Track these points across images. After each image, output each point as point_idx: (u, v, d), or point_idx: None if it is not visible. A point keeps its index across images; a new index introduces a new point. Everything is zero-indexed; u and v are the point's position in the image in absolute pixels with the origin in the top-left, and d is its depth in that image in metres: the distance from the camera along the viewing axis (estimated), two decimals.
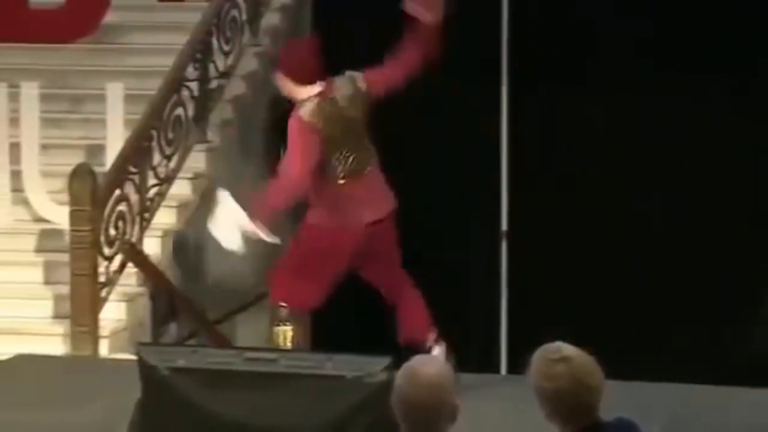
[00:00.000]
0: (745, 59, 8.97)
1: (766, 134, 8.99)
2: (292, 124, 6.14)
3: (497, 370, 8.78)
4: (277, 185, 6.27)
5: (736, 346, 9.13)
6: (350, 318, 8.90)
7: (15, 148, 8.07)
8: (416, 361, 3.27)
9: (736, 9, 8.94)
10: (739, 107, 9.01)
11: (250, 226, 6.10)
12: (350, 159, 6.14)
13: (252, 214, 6.10)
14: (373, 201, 6.17)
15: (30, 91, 8.11)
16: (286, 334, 6.30)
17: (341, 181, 6.11)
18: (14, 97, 8.12)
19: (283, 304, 6.26)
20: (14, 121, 8.12)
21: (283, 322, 6.28)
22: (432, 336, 6.08)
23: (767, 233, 9.14)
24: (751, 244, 9.13)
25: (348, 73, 6.25)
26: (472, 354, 8.47)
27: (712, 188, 9.06)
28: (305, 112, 6.11)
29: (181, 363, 5.04)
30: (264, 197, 6.24)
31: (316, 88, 6.15)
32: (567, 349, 3.36)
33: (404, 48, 6.19)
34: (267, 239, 6.14)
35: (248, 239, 6.18)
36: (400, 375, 3.27)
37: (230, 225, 6.18)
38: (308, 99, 6.14)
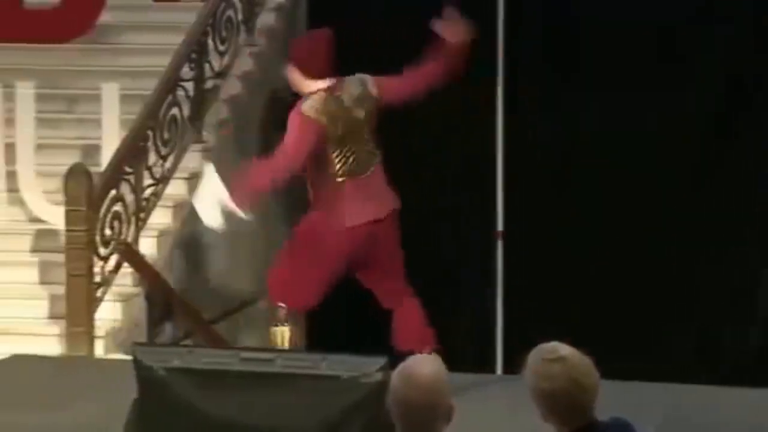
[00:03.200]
0: (744, 54, 8.97)
1: (764, 132, 9.00)
2: (293, 116, 6.14)
3: (493, 371, 8.78)
4: (263, 165, 6.26)
5: (730, 347, 9.14)
6: (345, 318, 8.91)
7: (10, 149, 8.07)
8: (412, 362, 3.28)
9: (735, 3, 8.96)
10: (740, 104, 9.01)
11: (231, 204, 6.07)
12: (350, 159, 6.14)
13: (233, 191, 6.07)
14: (372, 201, 6.17)
15: (25, 91, 8.11)
16: (284, 334, 6.30)
17: (339, 179, 6.11)
18: (9, 97, 8.13)
19: (281, 304, 6.26)
20: (9, 122, 8.12)
21: (281, 322, 6.28)
22: (428, 349, 5.99)
23: (763, 232, 9.15)
24: (746, 243, 9.15)
25: (359, 75, 6.25)
26: (467, 354, 8.50)
27: (710, 186, 9.07)
28: (308, 105, 6.11)
29: (176, 363, 5.04)
30: (248, 175, 6.21)
31: (324, 84, 6.15)
32: (563, 348, 3.37)
33: (427, 61, 6.21)
34: (243, 217, 6.11)
35: (229, 216, 6.15)
36: (396, 375, 3.27)
37: (212, 201, 6.16)
38: (315, 93, 6.13)
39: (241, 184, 6.13)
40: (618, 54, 9.02)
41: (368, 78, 6.24)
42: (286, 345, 6.28)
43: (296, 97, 6.30)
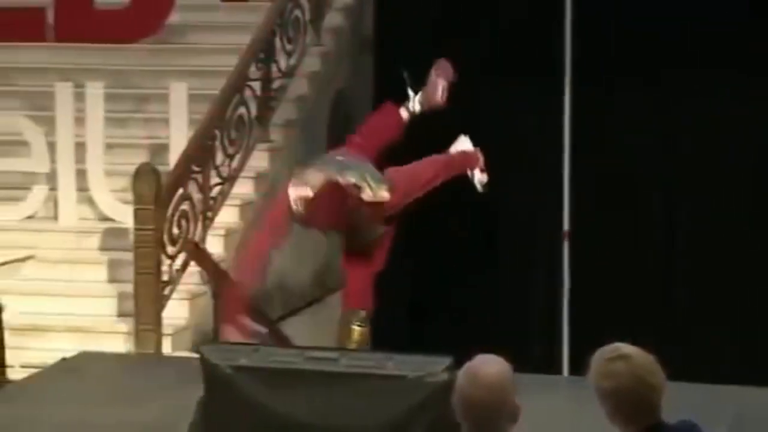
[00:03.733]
0: None
1: None
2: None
3: (559, 372, 8.73)
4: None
5: None
6: (409, 318, 8.90)
7: (80, 148, 8.15)
8: (477, 361, 3.26)
9: None
10: None
11: None
12: None
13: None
14: None
15: (95, 90, 8.18)
16: (363, 334, 6.47)
17: None
18: (80, 96, 8.20)
19: (364, 309, 6.44)
20: (79, 121, 8.20)
21: (363, 323, 6.44)
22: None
23: None
24: None
25: None
26: (534, 355, 8.46)
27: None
28: None
29: (243, 361, 5.06)
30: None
31: None
32: (625, 348, 3.36)
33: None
34: None
35: None
36: (462, 374, 3.26)
37: None
38: None
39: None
40: (688, 57, 8.93)
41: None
42: (364, 344, 6.44)
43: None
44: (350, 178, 6.25)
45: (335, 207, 6.28)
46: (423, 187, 6.53)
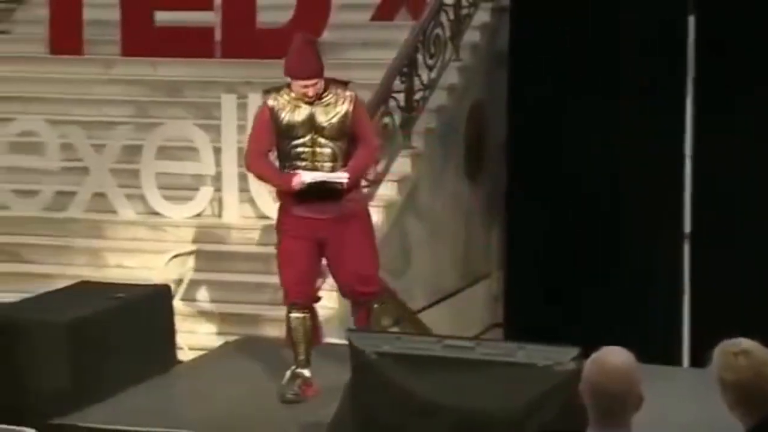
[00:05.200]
0: None
1: None
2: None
3: (680, 364, 8.55)
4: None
5: None
6: (547, 316, 8.79)
7: (242, 153, 8.24)
8: (605, 351, 3.21)
9: None
10: None
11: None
12: None
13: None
14: None
15: (255, 101, 8.26)
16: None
17: None
18: (242, 107, 8.32)
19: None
20: (242, 129, 8.31)
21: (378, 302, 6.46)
22: None
23: None
24: None
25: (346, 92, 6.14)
26: (656, 350, 8.29)
27: None
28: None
29: (386, 348, 5.08)
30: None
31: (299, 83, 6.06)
32: (747, 343, 3.29)
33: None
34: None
35: None
36: (590, 364, 3.21)
37: None
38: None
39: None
40: None
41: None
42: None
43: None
44: None
45: (311, 54, 6.16)
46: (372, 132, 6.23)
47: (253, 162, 6.23)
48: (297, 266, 6.05)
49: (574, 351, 4.70)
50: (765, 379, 3.21)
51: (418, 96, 8.56)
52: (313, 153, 5.99)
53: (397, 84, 8.37)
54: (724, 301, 8.43)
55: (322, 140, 6.00)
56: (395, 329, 7.56)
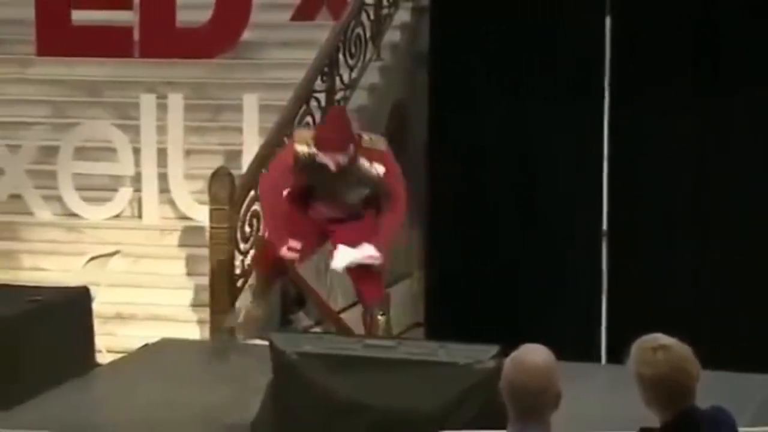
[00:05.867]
0: None
1: None
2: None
3: (598, 360, 8.63)
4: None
5: None
6: (463, 314, 8.84)
7: (162, 153, 8.20)
8: (524, 350, 3.23)
9: None
10: None
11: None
12: None
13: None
14: None
15: (175, 101, 8.23)
16: (388, 322, 6.47)
17: None
18: (162, 107, 8.25)
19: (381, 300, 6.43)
20: (162, 129, 8.25)
21: (384, 311, 6.42)
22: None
23: None
24: None
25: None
26: (572, 345, 8.37)
27: None
28: None
29: (308, 348, 5.07)
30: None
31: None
32: (664, 338, 3.33)
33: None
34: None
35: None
36: (509, 362, 3.23)
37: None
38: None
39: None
40: (724, 60, 8.75)
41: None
42: (389, 331, 6.45)
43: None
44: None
45: (342, 127, 6.19)
46: (401, 193, 6.32)
47: (265, 191, 6.35)
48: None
49: (493, 349, 4.73)
50: (682, 374, 3.25)
51: (339, 96, 8.55)
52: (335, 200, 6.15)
53: (318, 84, 8.35)
54: (641, 298, 8.54)
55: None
56: (317, 329, 7.55)
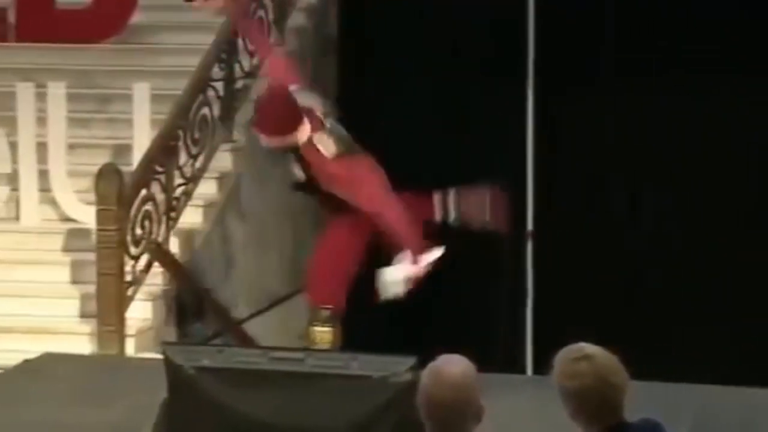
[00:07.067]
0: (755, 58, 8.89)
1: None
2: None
3: (523, 371, 8.76)
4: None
5: (761, 347, 9.08)
6: (376, 319, 8.89)
7: (42, 148, 8.11)
8: (441, 361, 3.27)
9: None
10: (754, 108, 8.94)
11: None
12: None
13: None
14: None
15: (57, 90, 8.14)
16: (324, 336, 6.34)
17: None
18: (41, 97, 8.16)
19: (328, 306, 6.30)
20: (41, 121, 8.16)
21: (323, 323, 6.32)
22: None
23: None
24: None
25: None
26: (497, 354, 8.48)
27: (728, 187, 9.01)
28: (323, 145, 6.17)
29: (206, 362, 5.05)
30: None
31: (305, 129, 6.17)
32: (589, 348, 3.36)
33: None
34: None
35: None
36: (425, 375, 3.27)
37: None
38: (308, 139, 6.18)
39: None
40: (649, 58, 8.95)
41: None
42: (328, 346, 6.32)
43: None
44: (323, 116, 6.24)
45: (283, 111, 6.17)
46: (364, 199, 6.19)
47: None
48: None
49: (410, 361, 4.77)
50: (608, 386, 3.30)
51: (239, 85, 8.54)
52: None
53: (216, 71, 8.33)
54: (569, 303, 8.67)
55: None
56: (216, 341, 7.54)
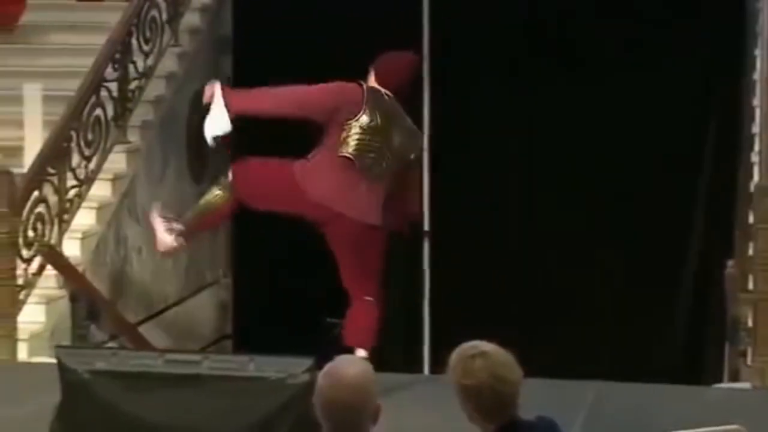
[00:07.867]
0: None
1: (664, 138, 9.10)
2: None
3: (420, 371, 8.80)
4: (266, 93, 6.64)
5: (653, 345, 9.24)
6: (275, 321, 8.88)
7: None
8: (338, 362, 3.27)
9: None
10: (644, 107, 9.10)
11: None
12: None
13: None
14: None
15: None
16: (222, 198, 6.28)
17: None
18: None
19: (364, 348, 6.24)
20: None
21: (224, 188, 6.31)
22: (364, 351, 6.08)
23: (686, 232, 9.26)
24: (667, 243, 9.25)
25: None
26: (395, 354, 8.52)
27: (631, 186, 9.16)
28: None
29: (101, 366, 5.00)
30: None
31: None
32: (484, 345, 3.39)
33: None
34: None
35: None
36: (322, 376, 3.26)
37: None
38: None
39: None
40: (545, 50, 9.05)
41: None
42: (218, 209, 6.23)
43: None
44: None
45: None
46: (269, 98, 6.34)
47: None
48: None
49: (307, 362, 4.77)
50: (503, 383, 3.33)
51: (133, 85, 8.47)
52: None
53: (109, 72, 8.25)
54: (466, 302, 8.74)
55: None
56: (111, 344, 7.47)
